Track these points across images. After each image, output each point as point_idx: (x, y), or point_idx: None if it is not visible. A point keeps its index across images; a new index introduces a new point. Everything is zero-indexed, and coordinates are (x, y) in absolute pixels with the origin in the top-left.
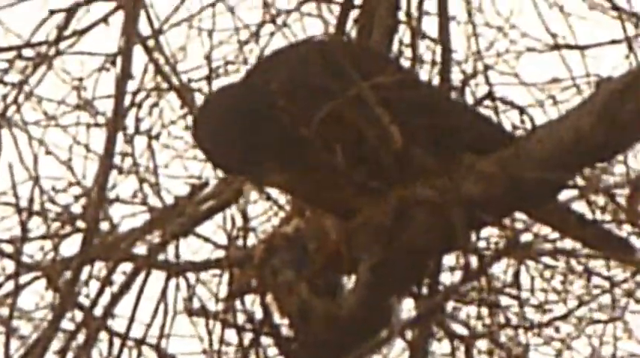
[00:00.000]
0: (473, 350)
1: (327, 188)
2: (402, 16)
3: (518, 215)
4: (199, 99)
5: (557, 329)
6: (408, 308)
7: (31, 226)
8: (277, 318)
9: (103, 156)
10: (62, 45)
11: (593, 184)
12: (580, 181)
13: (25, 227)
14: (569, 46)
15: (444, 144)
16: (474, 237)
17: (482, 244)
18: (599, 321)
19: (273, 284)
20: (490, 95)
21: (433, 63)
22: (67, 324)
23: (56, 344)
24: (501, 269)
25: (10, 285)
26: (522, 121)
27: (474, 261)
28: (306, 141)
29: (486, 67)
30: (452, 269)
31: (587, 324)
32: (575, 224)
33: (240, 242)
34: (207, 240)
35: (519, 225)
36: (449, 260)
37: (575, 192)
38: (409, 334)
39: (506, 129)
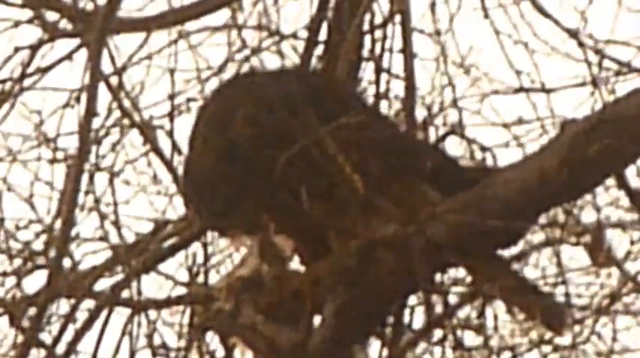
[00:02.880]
0: None
1: (299, 226)
2: (365, 52)
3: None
4: (161, 136)
5: None
6: (374, 351)
7: None
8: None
9: (68, 193)
10: (26, 81)
11: (563, 227)
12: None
13: None
14: (534, 89)
15: (405, 177)
16: (438, 278)
17: (446, 285)
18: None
19: (234, 326)
20: (454, 132)
21: (396, 99)
22: None
23: None
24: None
25: None
26: (484, 159)
27: (439, 302)
28: (272, 184)
29: (454, 102)
30: (414, 308)
31: None
32: (513, 290)
33: (201, 279)
34: (168, 277)
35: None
36: (413, 299)
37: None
38: None
39: (469, 169)
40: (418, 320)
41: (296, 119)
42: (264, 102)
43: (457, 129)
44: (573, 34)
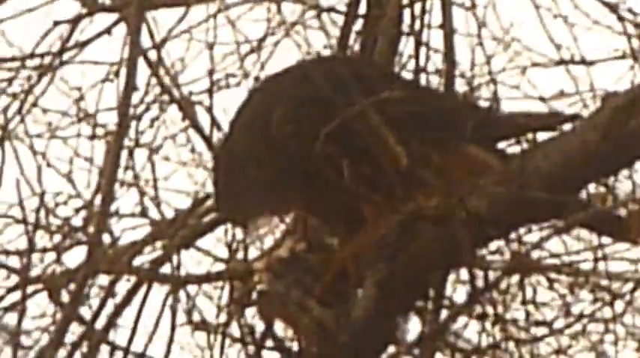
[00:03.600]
0: None
1: (335, 204)
2: (405, 27)
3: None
4: (200, 112)
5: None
6: (414, 325)
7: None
8: (279, 331)
9: (108, 169)
10: (65, 56)
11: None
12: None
13: (32, 241)
14: (574, 62)
15: (448, 144)
16: (479, 251)
17: (488, 259)
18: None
19: (281, 308)
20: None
21: (437, 73)
22: (68, 337)
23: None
24: (505, 282)
25: (11, 298)
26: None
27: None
28: (312, 158)
29: (492, 79)
30: (457, 283)
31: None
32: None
33: (240, 255)
34: (207, 253)
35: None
36: (455, 274)
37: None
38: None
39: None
40: (458, 295)
41: (340, 96)
42: (308, 84)
43: (494, 104)
44: (613, 7)
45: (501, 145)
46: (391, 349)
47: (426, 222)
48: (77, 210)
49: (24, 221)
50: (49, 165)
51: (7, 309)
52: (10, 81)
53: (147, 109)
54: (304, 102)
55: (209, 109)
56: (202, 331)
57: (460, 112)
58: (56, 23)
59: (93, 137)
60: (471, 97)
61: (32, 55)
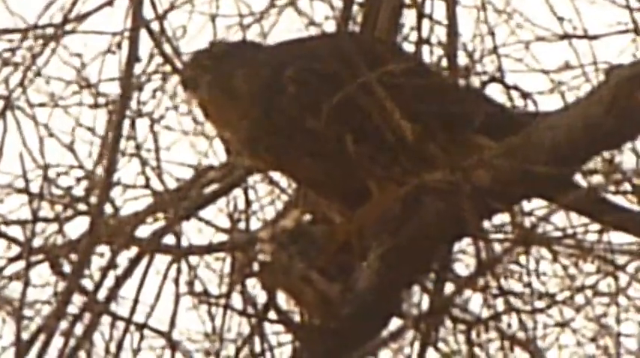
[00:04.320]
0: (474, 334)
1: (338, 175)
2: None
3: (529, 204)
4: None
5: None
6: (419, 298)
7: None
8: (282, 304)
9: (110, 139)
10: (68, 27)
11: (607, 173)
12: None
13: (36, 212)
14: (578, 36)
15: (455, 129)
16: (484, 224)
17: (492, 232)
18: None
19: (285, 279)
20: (495, 79)
21: (439, 45)
22: (70, 308)
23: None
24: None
25: (12, 268)
26: (526, 106)
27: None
28: (316, 129)
29: (494, 49)
30: (461, 253)
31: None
32: (606, 209)
33: (242, 225)
34: (209, 223)
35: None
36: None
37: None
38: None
39: (514, 112)
40: (461, 268)
41: (346, 71)
42: (314, 55)
43: (497, 77)
44: None
45: None
46: (395, 322)
47: (430, 195)
48: (79, 180)
49: (27, 191)
50: (51, 135)
51: (10, 278)
52: (12, 51)
53: (148, 80)
54: (312, 72)
55: None
56: (204, 302)
57: (464, 95)
58: None
59: (95, 106)
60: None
61: (35, 26)
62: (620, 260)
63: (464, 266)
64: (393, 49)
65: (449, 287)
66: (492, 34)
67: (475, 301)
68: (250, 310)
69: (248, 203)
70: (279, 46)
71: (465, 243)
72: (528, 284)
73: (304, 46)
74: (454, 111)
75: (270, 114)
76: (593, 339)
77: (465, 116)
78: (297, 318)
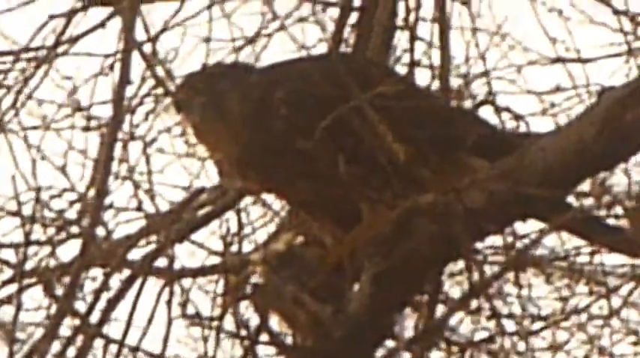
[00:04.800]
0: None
1: (329, 197)
2: (399, 21)
3: (521, 225)
4: None
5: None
6: (411, 320)
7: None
8: (275, 326)
9: (102, 161)
10: (60, 49)
11: (599, 196)
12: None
13: (28, 235)
14: (571, 59)
15: (447, 150)
16: (476, 247)
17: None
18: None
19: (277, 302)
20: (487, 102)
21: (431, 67)
22: (63, 330)
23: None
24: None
25: (5, 291)
26: (518, 127)
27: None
28: (307, 150)
29: (485, 72)
30: (452, 275)
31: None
32: (599, 230)
33: (235, 248)
34: (202, 246)
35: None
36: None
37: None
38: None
39: (506, 132)
40: (453, 290)
41: (338, 93)
42: (305, 76)
43: (489, 99)
44: (607, 1)
45: None
46: (388, 344)
47: (422, 217)
48: (71, 203)
49: (19, 214)
50: (43, 158)
51: (2, 302)
52: (5, 73)
53: (141, 103)
54: (303, 94)
55: None
56: (196, 325)
57: (457, 116)
58: (51, 17)
59: (87, 129)
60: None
61: (27, 49)
62: (613, 282)
63: (456, 288)
64: (385, 71)
65: (441, 310)
66: (483, 58)
67: (468, 323)
68: (243, 332)
69: (240, 225)
70: (271, 67)
71: (458, 265)
72: (521, 307)
73: (295, 67)
74: (446, 132)
75: (261, 136)
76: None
77: (457, 137)
78: (289, 340)
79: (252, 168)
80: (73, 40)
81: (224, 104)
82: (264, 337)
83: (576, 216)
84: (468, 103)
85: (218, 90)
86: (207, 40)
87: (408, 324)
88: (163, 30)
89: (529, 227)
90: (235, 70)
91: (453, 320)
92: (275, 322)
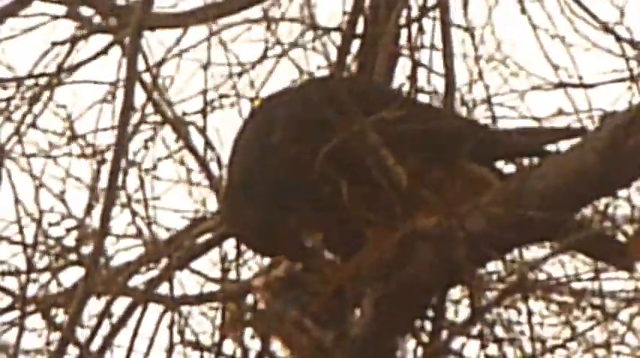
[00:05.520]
0: None
1: (331, 221)
2: (403, 48)
3: (524, 251)
4: (194, 132)
5: None
6: (413, 345)
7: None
8: (277, 351)
9: (106, 190)
10: (63, 76)
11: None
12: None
13: (31, 263)
14: (573, 85)
15: (449, 160)
16: (478, 272)
17: (487, 279)
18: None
19: (278, 327)
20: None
21: (435, 94)
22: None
23: None
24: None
25: (5, 318)
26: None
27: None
28: (310, 178)
29: (488, 98)
30: (455, 302)
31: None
32: (615, 251)
33: (233, 275)
34: (200, 273)
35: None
36: (453, 293)
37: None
38: None
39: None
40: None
41: (339, 115)
42: (307, 101)
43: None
44: (610, 28)
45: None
46: None
47: (424, 241)
48: (68, 230)
49: (22, 243)
50: (41, 185)
51: (3, 330)
52: (7, 101)
53: (135, 131)
54: (305, 123)
55: (202, 130)
56: (196, 351)
57: (460, 129)
58: (54, 44)
59: (82, 156)
60: (470, 115)
61: (30, 76)
62: (614, 307)
63: (458, 313)
64: (388, 92)
65: (443, 334)
66: (486, 86)
67: (470, 348)
68: None
69: (239, 252)
70: (273, 97)
71: (459, 290)
72: (521, 332)
73: (295, 91)
74: (447, 142)
75: (262, 161)
76: None
77: (457, 144)
78: None
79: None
80: (76, 67)
81: None
82: None
83: (579, 238)
84: None
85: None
86: (206, 66)
87: (410, 349)
88: (164, 60)
89: (530, 254)
90: None
91: (456, 345)
92: (277, 347)
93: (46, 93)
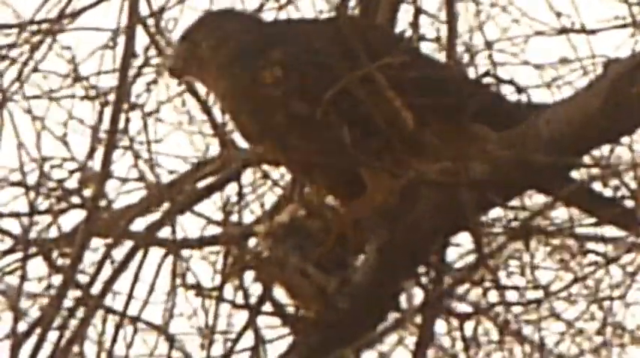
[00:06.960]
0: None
1: (333, 167)
2: None
3: (526, 197)
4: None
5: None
6: (416, 291)
7: (24, 201)
8: (279, 297)
9: (106, 133)
10: (64, 22)
11: (603, 167)
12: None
13: (33, 206)
14: (576, 31)
15: (450, 117)
16: (482, 217)
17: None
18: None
19: (281, 273)
20: (489, 73)
21: (436, 41)
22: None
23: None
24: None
25: (5, 261)
26: (520, 100)
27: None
28: (313, 118)
29: (488, 44)
30: (456, 246)
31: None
32: (598, 203)
33: (235, 218)
34: (203, 216)
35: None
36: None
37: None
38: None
39: (511, 102)
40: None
41: (343, 60)
42: (306, 40)
43: (492, 71)
44: None
45: None
46: (392, 315)
47: (428, 187)
48: (71, 172)
49: (24, 185)
50: (44, 128)
51: (5, 273)
52: (9, 47)
53: (138, 74)
54: (302, 58)
55: None
56: (197, 295)
57: (464, 85)
58: None
59: (85, 98)
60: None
61: (32, 22)
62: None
63: (461, 258)
64: (392, 37)
65: (446, 281)
66: (482, 30)
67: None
68: (244, 302)
69: (241, 196)
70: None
71: (463, 236)
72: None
73: (298, 28)
74: (449, 99)
75: (255, 87)
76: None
77: (460, 103)
78: (292, 312)
79: (245, 121)
80: (77, 14)
81: (223, 49)
82: (267, 307)
83: (579, 189)
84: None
85: (222, 33)
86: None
87: (414, 295)
88: (166, 5)
89: (533, 200)
90: (242, 18)
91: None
92: (279, 293)
93: (48, 40)
